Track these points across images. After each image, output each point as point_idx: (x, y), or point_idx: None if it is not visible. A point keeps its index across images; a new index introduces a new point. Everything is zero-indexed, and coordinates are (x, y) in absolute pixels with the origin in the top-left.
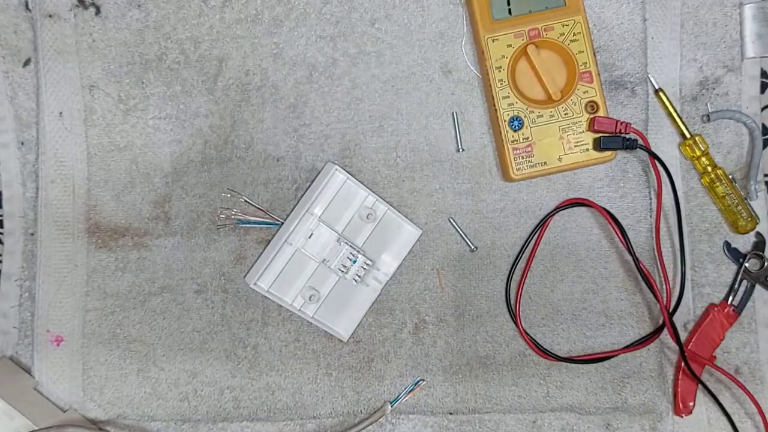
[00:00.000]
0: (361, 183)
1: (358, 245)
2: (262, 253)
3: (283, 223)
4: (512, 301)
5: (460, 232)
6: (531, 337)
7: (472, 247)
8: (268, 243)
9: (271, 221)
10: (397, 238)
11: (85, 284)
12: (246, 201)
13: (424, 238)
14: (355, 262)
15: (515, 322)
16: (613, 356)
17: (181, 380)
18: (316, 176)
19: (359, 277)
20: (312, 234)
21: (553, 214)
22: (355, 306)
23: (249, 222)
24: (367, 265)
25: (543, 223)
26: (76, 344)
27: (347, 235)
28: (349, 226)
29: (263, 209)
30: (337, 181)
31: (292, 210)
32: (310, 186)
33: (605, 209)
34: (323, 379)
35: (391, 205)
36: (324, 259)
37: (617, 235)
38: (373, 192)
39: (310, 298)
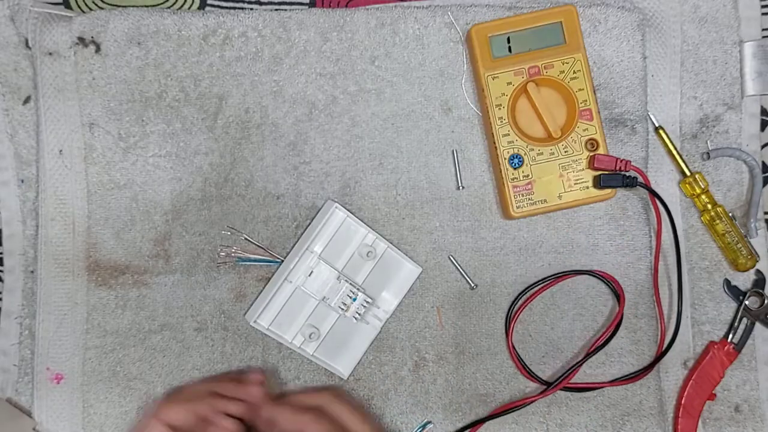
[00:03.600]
0: (361, 221)
1: (358, 283)
2: (262, 291)
3: (283, 261)
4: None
5: (460, 270)
6: (520, 360)
7: (473, 284)
8: (268, 281)
9: (271, 259)
10: (397, 276)
11: (85, 322)
12: (246, 239)
13: (424, 275)
14: (355, 299)
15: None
16: (601, 387)
17: None
18: (316, 214)
19: (359, 314)
20: (312, 272)
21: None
22: (355, 344)
23: (249, 260)
24: (367, 302)
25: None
26: (76, 382)
27: (347, 273)
28: (349, 263)
29: (263, 247)
30: (337, 219)
31: (292, 248)
32: (310, 224)
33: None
34: None
35: (391, 243)
36: (324, 297)
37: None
38: (373, 230)
39: (310, 335)
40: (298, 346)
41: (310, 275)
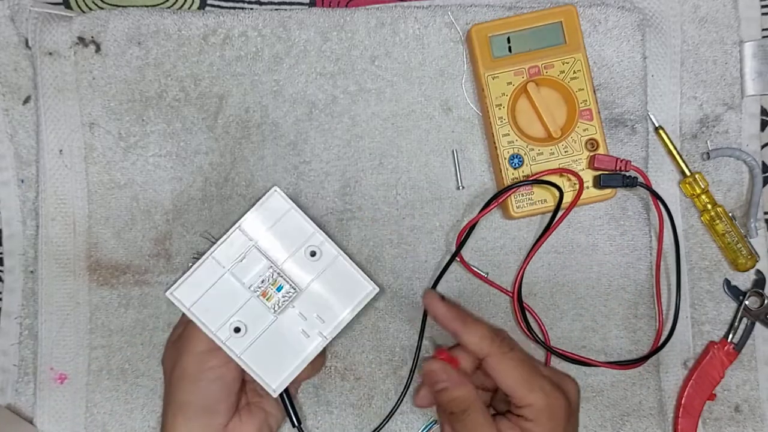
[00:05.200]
0: (312, 219)
1: (298, 285)
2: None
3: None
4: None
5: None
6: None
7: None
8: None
9: None
10: (349, 290)
11: (88, 321)
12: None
13: (425, 276)
14: (280, 289)
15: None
16: (594, 365)
17: None
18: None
19: (279, 306)
20: (244, 258)
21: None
22: (291, 359)
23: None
24: (292, 291)
25: None
26: (80, 382)
27: (286, 269)
28: (292, 262)
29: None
30: (279, 207)
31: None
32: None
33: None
34: (324, 416)
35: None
36: (250, 285)
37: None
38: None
39: (236, 330)
40: (223, 341)
41: (241, 261)
